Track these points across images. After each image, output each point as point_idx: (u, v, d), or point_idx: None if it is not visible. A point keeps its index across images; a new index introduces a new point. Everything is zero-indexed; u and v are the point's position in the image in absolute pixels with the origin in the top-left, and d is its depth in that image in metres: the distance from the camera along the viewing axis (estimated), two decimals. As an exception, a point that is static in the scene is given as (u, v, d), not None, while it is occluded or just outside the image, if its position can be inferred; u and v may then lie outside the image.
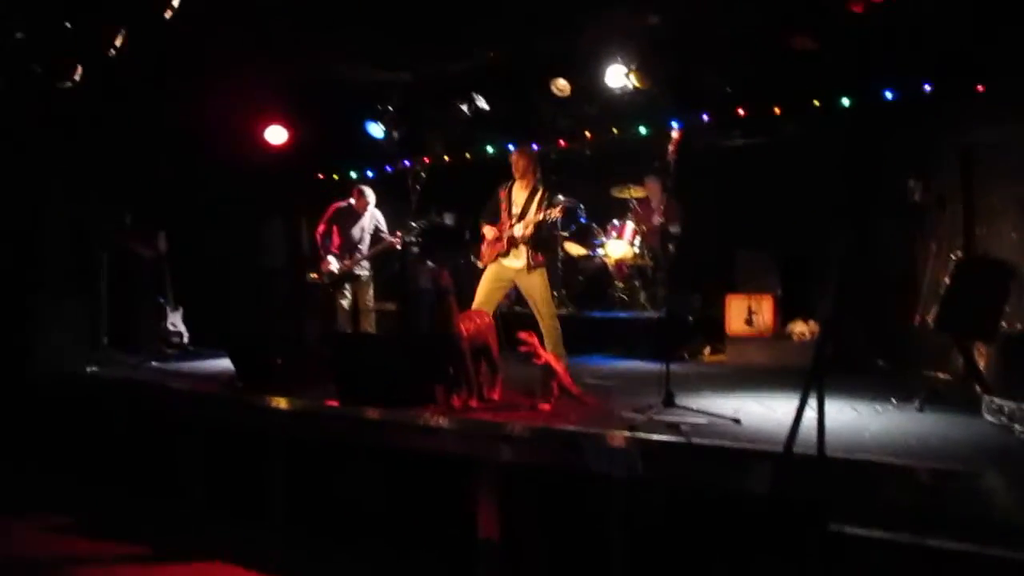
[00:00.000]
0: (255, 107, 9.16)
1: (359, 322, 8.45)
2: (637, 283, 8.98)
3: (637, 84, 7.35)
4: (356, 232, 8.33)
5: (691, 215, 8.94)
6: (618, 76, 7.45)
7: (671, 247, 9.00)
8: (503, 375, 5.56)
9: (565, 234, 9.45)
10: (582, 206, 9.55)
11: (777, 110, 7.36)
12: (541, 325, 6.33)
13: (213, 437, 6.05)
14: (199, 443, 6.09)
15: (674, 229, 9.02)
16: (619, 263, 9.16)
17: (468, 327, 5.20)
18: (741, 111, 7.58)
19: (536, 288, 6.39)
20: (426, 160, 9.57)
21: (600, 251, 9.23)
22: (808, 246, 8.07)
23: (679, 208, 9.08)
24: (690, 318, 8.23)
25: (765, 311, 7.92)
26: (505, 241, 6.42)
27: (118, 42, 5.25)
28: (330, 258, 8.22)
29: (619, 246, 9.13)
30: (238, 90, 8.72)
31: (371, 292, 8.47)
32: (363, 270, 8.38)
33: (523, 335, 5.09)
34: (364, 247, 8.34)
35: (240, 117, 9.07)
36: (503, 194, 6.60)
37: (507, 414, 4.97)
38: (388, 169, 9.99)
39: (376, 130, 9.45)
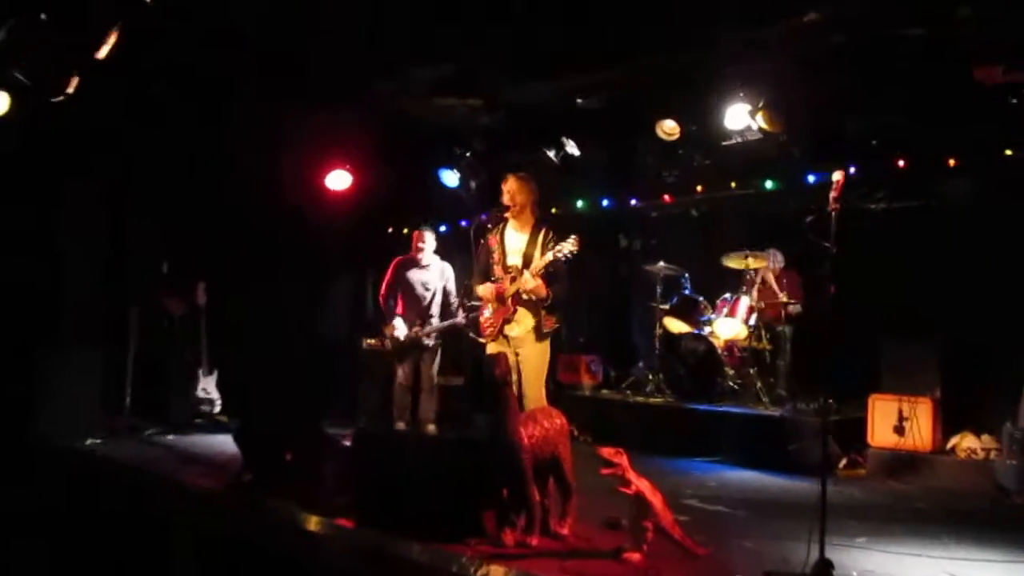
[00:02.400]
0: (316, 147, 8.11)
1: (418, 400, 7.16)
2: (752, 371, 7.35)
3: (765, 127, 5.87)
4: (421, 289, 7.08)
5: (821, 292, 7.35)
6: (741, 117, 5.99)
7: (790, 331, 7.44)
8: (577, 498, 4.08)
9: (664, 306, 7.96)
10: (687, 275, 8.07)
11: (952, 162, 5.73)
12: None
13: (205, 542, 4.74)
14: (189, 547, 4.78)
15: (795, 308, 7.45)
16: (729, 345, 7.58)
17: (532, 433, 3.76)
18: (901, 162, 5.95)
19: (531, 360, 4.85)
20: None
21: (707, 330, 7.68)
22: (980, 337, 6.38)
23: (801, 283, 7.52)
24: (821, 421, 6.51)
25: (922, 418, 6.18)
26: (510, 302, 4.96)
27: (110, 44, 4.20)
28: (397, 322, 6.97)
29: (730, 325, 7.57)
30: (297, 127, 7.72)
31: (436, 364, 7.16)
32: (431, 339, 7.10)
33: (608, 452, 3.61)
34: (435, 308, 7.07)
35: (299, 158, 8.03)
36: (494, 241, 5.14)
37: (580, 565, 3.48)
38: (463, 223, 8.73)
39: (450, 178, 8.26)
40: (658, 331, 7.93)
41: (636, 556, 3.53)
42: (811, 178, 6.13)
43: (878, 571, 3.64)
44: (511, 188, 5.10)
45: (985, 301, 6.37)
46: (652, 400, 7.62)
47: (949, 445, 6.18)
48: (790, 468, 6.31)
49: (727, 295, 7.74)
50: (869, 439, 6.40)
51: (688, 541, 3.66)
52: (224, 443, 6.51)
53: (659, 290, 7.96)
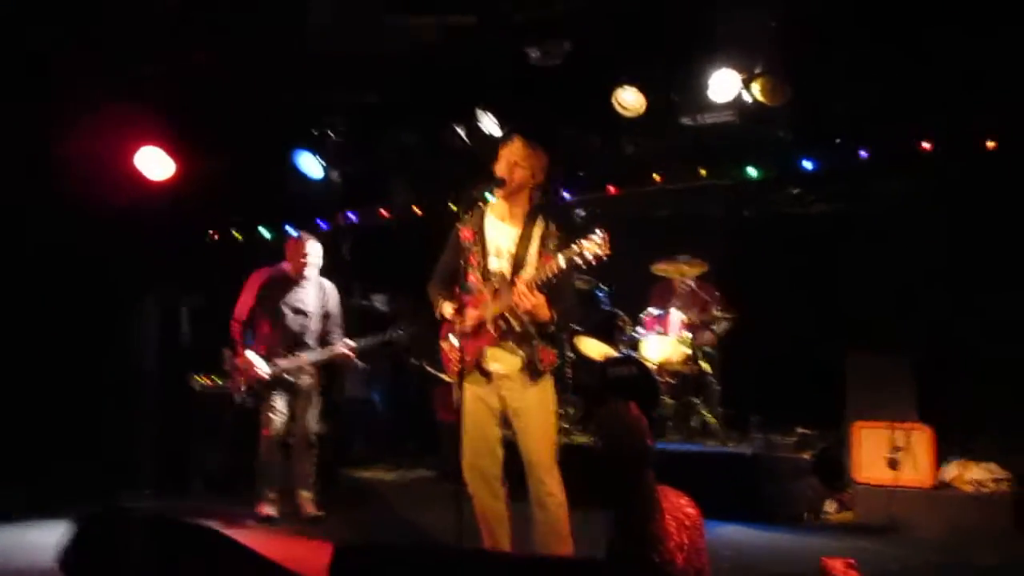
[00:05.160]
0: (122, 118, 5.92)
1: (294, 463, 5.32)
2: (697, 401, 6.21)
3: (762, 99, 4.72)
4: (293, 314, 5.37)
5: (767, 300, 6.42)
6: (730, 86, 4.81)
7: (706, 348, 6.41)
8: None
9: (576, 327, 6.63)
10: (604, 288, 6.80)
11: (991, 144, 4.85)
12: (531, 490, 3.43)
13: None
14: None
15: (717, 326, 6.43)
16: (662, 369, 6.38)
17: (682, 540, 2.23)
18: (926, 144, 5.00)
19: (532, 412, 3.44)
20: (383, 213, 6.56)
21: (633, 352, 6.44)
22: (951, 354, 5.69)
23: (720, 296, 6.52)
24: (807, 456, 5.49)
25: (919, 448, 5.30)
26: (492, 324, 3.45)
27: None
28: (251, 355, 5.13)
29: (662, 344, 6.39)
30: (93, 88, 5.54)
31: (315, 410, 5.38)
32: (305, 375, 5.32)
33: (839, 568, 2.14)
34: (311, 337, 5.31)
35: (96, 131, 5.82)
36: (468, 235, 3.60)
37: None
38: (323, 226, 6.86)
39: (311, 165, 6.40)
40: (568, 355, 6.58)
41: None
42: (807, 164, 5.06)
43: None
44: (513, 154, 3.51)
45: (954, 312, 5.73)
46: (577, 440, 6.22)
47: (946, 477, 5.35)
48: (771, 517, 5.24)
49: (653, 310, 6.56)
50: (855, 474, 5.44)
51: None
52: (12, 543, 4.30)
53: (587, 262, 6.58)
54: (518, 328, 3.42)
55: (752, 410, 6.18)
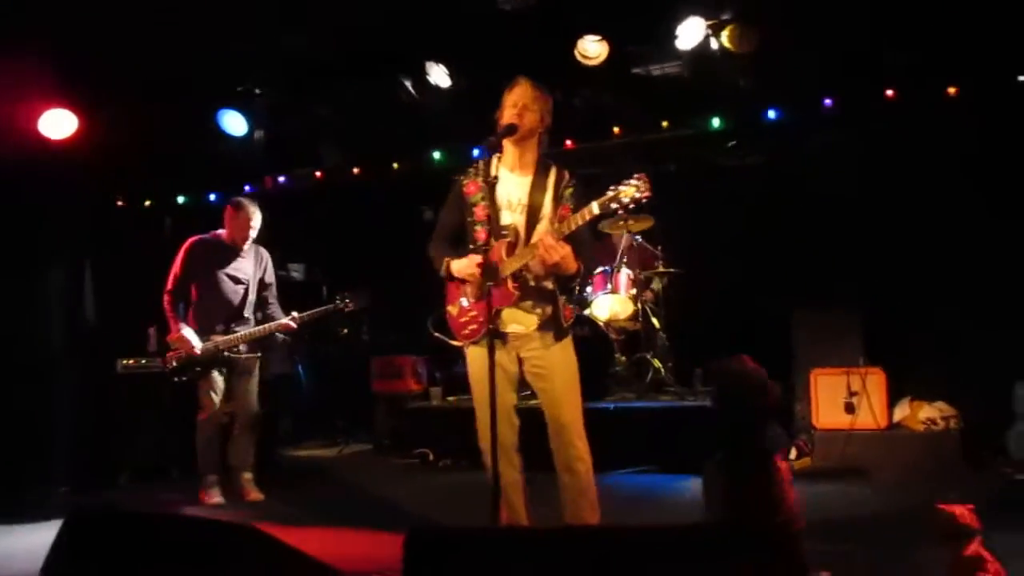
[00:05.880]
0: (24, 77, 5.24)
1: (234, 444, 4.96)
2: (649, 355, 6.17)
3: (730, 46, 4.62)
4: (230, 284, 4.95)
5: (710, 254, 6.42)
6: (695, 33, 4.68)
7: (649, 304, 6.41)
8: None
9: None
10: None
11: (952, 89, 4.89)
12: (559, 455, 3.29)
13: None
14: None
15: (660, 281, 6.45)
16: (608, 326, 6.30)
17: (796, 496, 2.08)
18: (890, 92, 5.00)
19: (559, 373, 3.26)
20: (318, 175, 6.13)
21: (584, 312, 6.32)
22: (894, 301, 5.86)
23: (660, 247, 6.50)
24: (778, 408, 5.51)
25: (875, 392, 5.44)
26: (511, 282, 3.17)
27: None
28: (185, 331, 4.69)
29: (611, 302, 6.29)
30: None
31: (256, 387, 5.01)
32: (244, 350, 4.93)
33: (963, 513, 2.06)
34: (247, 308, 4.94)
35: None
36: (473, 189, 3.33)
37: None
38: (248, 189, 6.35)
39: (235, 123, 5.89)
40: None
41: None
42: (771, 114, 5.01)
43: None
44: (522, 97, 3.23)
45: (896, 261, 5.90)
46: (532, 403, 6.03)
47: (897, 418, 5.53)
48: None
49: (604, 267, 6.45)
50: (814, 421, 5.54)
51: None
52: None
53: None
54: (536, 284, 3.20)
55: (697, 364, 6.22)
